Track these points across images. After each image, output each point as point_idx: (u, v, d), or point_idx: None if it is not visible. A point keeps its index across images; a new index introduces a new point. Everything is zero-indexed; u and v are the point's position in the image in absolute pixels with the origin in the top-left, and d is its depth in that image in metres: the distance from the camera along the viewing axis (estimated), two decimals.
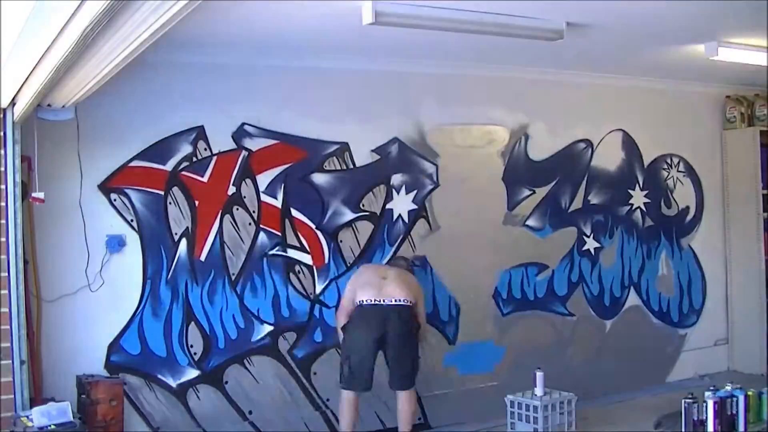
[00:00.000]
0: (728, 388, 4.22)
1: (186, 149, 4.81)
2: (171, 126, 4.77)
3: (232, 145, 4.96)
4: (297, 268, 5.14)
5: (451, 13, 4.03)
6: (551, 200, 6.03)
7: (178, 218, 4.80)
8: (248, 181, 5.00)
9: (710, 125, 6.88)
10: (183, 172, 4.81)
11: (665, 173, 6.62)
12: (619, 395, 6.01)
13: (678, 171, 6.69)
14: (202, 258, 4.86)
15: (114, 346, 4.62)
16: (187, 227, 4.82)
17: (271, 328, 5.05)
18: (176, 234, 4.79)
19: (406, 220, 5.47)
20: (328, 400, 5.22)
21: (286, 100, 5.11)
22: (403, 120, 5.49)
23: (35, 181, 4.26)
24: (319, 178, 5.21)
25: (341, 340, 4.90)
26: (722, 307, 6.91)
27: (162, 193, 4.75)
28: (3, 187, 4.02)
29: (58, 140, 4.41)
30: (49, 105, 4.15)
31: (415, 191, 5.51)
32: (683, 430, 4.15)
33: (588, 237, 6.20)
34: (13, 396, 4.02)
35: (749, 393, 4.23)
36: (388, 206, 5.42)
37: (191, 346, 4.83)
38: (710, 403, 4.06)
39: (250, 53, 4.84)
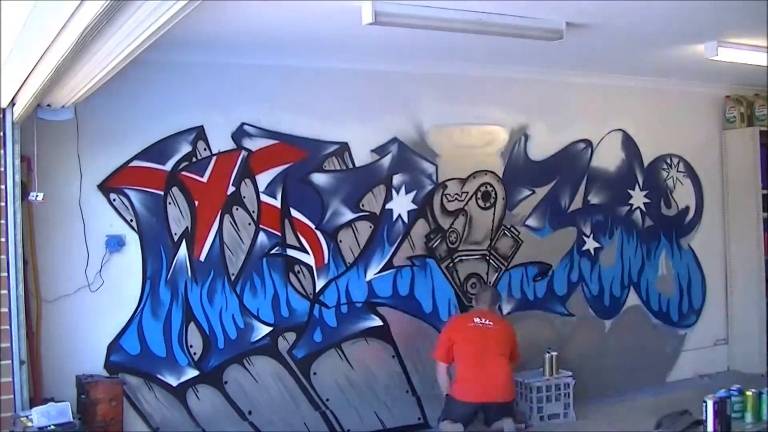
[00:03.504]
0: (732, 389, 4.22)
1: (185, 149, 4.81)
2: (170, 126, 4.77)
3: (232, 145, 4.96)
4: (297, 268, 5.14)
5: (451, 13, 4.03)
6: (551, 200, 6.03)
7: (178, 218, 4.80)
8: (248, 181, 4.99)
9: (710, 125, 6.88)
10: (182, 172, 4.81)
11: (665, 173, 6.62)
12: (619, 395, 6.01)
13: (678, 171, 6.69)
14: (202, 258, 4.86)
15: (114, 346, 4.63)
16: (187, 227, 4.82)
17: (270, 328, 5.05)
18: (176, 234, 4.79)
19: (406, 220, 5.47)
20: (327, 400, 5.22)
21: (286, 100, 5.11)
22: (403, 120, 5.49)
23: (35, 181, 4.26)
24: (319, 178, 5.21)
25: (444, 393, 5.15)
26: (722, 307, 6.91)
27: (162, 193, 4.75)
28: (2, 187, 4.02)
29: (58, 140, 4.41)
30: (48, 105, 4.14)
31: (414, 191, 5.51)
32: None
33: (588, 237, 6.20)
34: (12, 396, 4.01)
35: (748, 393, 4.23)
36: (387, 206, 5.42)
37: (191, 346, 4.83)
38: (710, 403, 4.06)
39: (249, 53, 4.84)
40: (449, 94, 5.64)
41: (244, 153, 4.98)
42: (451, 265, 5.65)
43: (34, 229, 4.40)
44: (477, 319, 5.15)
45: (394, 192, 5.44)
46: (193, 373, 4.84)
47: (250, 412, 4.99)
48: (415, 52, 5.17)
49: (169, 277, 4.77)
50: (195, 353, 4.84)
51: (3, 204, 4.02)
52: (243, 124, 4.99)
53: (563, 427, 5.41)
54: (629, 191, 6.43)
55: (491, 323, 5.15)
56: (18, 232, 4.05)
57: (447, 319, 5.46)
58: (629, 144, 6.43)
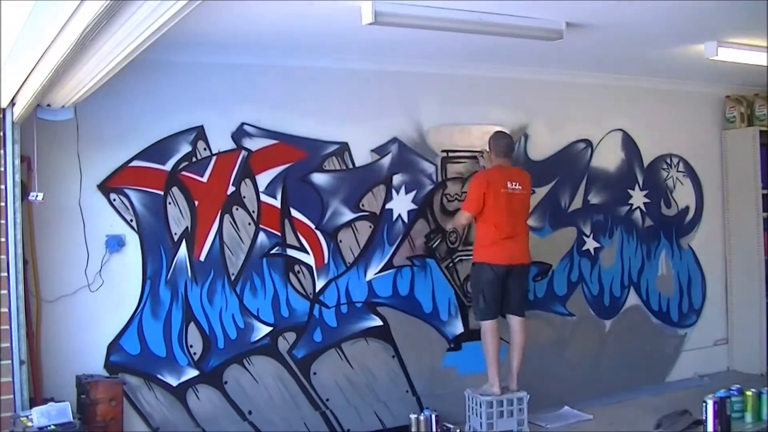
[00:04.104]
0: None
1: (185, 149, 4.81)
2: (170, 126, 4.77)
3: (232, 145, 4.96)
4: (296, 268, 5.14)
5: (451, 13, 4.03)
6: (551, 200, 6.03)
7: (178, 218, 4.80)
8: (248, 181, 4.99)
9: (710, 125, 6.88)
10: (182, 172, 4.81)
11: (665, 173, 6.62)
12: (619, 395, 6.00)
13: (678, 171, 6.68)
14: (202, 258, 4.86)
15: (114, 346, 4.62)
16: (187, 227, 4.82)
17: (270, 328, 5.04)
18: (176, 234, 4.79)
19: (406, 220, 5.47)
20: (327, 400, 5.22)
21: (286, 100, 5.11)
22: (403, 120, 5.49)
23: (35, 181, 4.26)
24: (319, 178, 5.21)
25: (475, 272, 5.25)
26: (722, 307, 6.90)
27: (161, 193, 4.75)
28: (2, 187, 4.02)
29: (58, 140, 4.41)
30: (48, 105, 4.14)
31: (414, 191, 5.51)
32: None
33: (588, 237, 6.20)
34: (12, 396, 4.02)
35: (748, 393, 4.24)
36: (387, 206, 5.42)
37: (191, 346, 4.83)
38: (710, 403, 4.06)
39: (250, 53, 4.83)
40: (449, 94, 5.64)
41: (244, 153, 4.98)
42: (451, 265, 5.65)
43: (34, 229, 4.40)
44: (510, 184, 5.19)
45: (394, 192, 5.44)
46: (193, 373, 4.83)
47: (250, 412, 4.99)
48: (415, 52, 5.16)
49: (169, 277, 4.77)
50: (195, 353, 4.84)
51: (3, 204, 4.02)
52: (243, 124, 4.98)
53: (566, 427, 5.40)
54: (629, 191, 6.43)
55: (520, 187, 5.24)
56: (18, 232, 4.05)
57: (476, 175, 5.37)
58: (629, 144, 6.43)
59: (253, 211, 5.01)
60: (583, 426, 5.43)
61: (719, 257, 6.89)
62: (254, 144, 5.01)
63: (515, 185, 5.21)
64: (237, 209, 4.96)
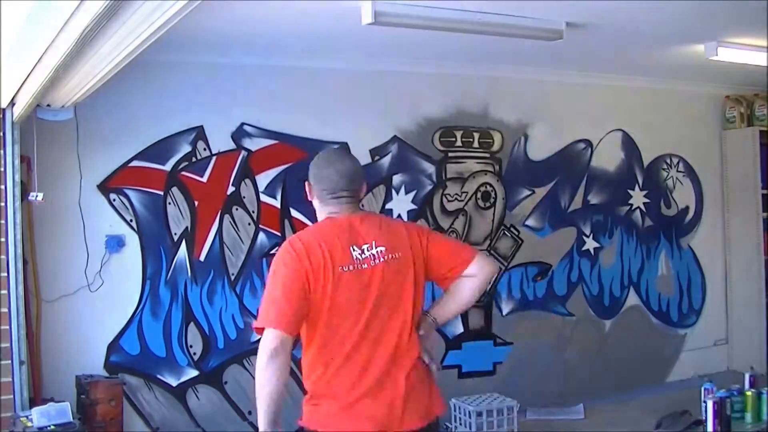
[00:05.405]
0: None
1: (185, 149, 4.82)
2: (170, 126, 4.78)
3: (232, 145, 4.96)
4: None
5: (451, 13, 4.03)
6: (551, 200, 6.03)
7: (178, 218, 4.80)
8: (248, 181, 5.00)
9: (710, 125, 6.87)
10: (182, 172, 4.81)
11: (665, 173, 6.62)
12: (619, 395, 6.00)
13: (677, 171, 6.68)
14: (202, 258, 4.86)
15: (113, 346, 4.63)
16: (187, 227, 4.82)
17: None
18: (175, 234, 4.79)
19: (406, 221, 5.47)
20: None
21: (285, 100, 5.11)
22: (403, 120, 5.49)
23: (34, 181, 4.26)
24: None
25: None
26: (722, 307, 6.90)
27: (161, 193, 4.75)
28: (2, 187, 4.02)
29: (58, 140, 4.41)
30: (48, 105, 4.14)
31: (414, 191, 5.51)
32: None
33: (587, 237, 6.20)
34: (12, 396, 4.02)
35: (748, 393, 4.23)
36: (387, 206, 5.42)
37: (191, 346, 4.83)
38: (710, 403, 4.06)
39: (250, 53, 4.84)
40: (450, 94, 5.64)
41: (243, 153, 4.98)
42: None
43: (34, 229, 4.40)
44: (356, 251, 2.59)
45: (394, 192, 5.44)
46: (193, 373, 4.84)
47: (249, 413, 4.98)
48: (416, 52, 5.16)
49: (168, 277, 4.77)
50: (195, 353, 4.84)
51: (3, 204, 4.02)
52: (243, 124, 4.99)
53: (565, 426, 5.40)
54: (629, 191, 6.42)
55: (382, 249, 2.61)
56: (18, 232, 4.05)
57: (280, 249, 2.65)
58: (629, 144, 6.43)
59: (253, 211, 5.01)
60: (584, 426, 5.42)
61: (719, 257, 6.89)
62: (254, 144, 5.02)
63: (368, 249, 2.61)
64: (237, 209, 4.96)
